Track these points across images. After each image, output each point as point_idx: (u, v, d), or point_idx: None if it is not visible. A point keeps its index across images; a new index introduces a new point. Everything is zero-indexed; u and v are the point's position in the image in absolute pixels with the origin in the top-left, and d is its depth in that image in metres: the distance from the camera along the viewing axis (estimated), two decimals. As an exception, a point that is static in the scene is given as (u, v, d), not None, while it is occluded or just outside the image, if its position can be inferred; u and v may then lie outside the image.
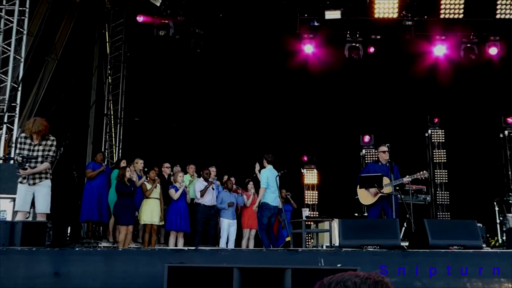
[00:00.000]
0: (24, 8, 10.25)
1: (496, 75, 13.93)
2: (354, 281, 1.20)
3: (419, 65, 13.90)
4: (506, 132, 14.41)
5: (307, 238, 11.53)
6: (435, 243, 6.80)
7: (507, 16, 12.75)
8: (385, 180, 8.47)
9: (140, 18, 12.51)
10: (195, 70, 13.96)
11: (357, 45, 13.67)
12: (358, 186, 8.65)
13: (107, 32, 13.98)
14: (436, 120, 14.94)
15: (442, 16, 12.90)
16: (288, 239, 9.58)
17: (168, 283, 4.79)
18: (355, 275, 1.22)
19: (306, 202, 14.28)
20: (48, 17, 10.87)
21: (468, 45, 13.61)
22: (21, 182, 6.86)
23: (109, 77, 13.97)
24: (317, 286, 1.24)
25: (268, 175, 9.33)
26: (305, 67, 13.86)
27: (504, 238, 9.68)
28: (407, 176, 8.52)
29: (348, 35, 13.70)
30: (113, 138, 13.80)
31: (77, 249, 6.32)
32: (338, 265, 5.70)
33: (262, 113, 14.01)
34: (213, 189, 10.55)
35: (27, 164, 6.78)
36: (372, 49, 13.60)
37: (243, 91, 14.03)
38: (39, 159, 6.90)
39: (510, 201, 10.43)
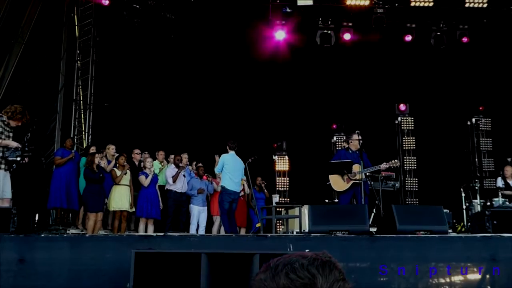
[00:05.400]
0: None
1: (465, 64, 14.15)
2: (302, 262, 1.18)
3: (388, 52, 14.01)
4: (473, 120, 14.68)
5: (277, 224, 11.58)
6: (402, 228, 6.90)
7: (476, 5, 12.96)
8: (356, 167, 8.55)
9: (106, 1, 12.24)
10: (166, 55, 13.78)
11: (329, 32, 13.70)
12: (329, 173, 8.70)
13: (75, 16, 13.66)
14: (404, 107, 15.08)
15: (412, 4, 13.04)
16: (258, 225, 9.58)
17: (135, 269, 4.75)
18: (302, 256, 1.21)
19: (277, 188, 14.31)
20: (13, -1, 10.59)
21: (438, 33, 13.79)
22: (6, 169, 6.76)
23: (78, 62, 13.67)
24: (264, 268, 1.22)
25: (225, 160, 9.24)
26: (277, 54, 13.82)
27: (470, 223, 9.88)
28: (384, 163, 8.61)
29: (320, 22, 13.72)
30: (82, 124, 13.55)
31: (42, 235, 6.22)
32: (306, 251, 5.74)
33: (234, 99, 13.94)
34: (184, 175, 10.51)
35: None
36: (348, 36, 13.64)
37: (215, 77, 13.92)
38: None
39: (476, 188, 10.63)
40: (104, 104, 13.63)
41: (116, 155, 10.13)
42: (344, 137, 12.80)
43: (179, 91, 13.88)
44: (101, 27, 13.85)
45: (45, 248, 5.57)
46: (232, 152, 9.35)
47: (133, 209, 9.98)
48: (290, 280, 1.15)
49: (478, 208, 10.13)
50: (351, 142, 8.95)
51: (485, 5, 12.94)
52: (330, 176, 8.77)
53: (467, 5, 12.97)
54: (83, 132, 13.52)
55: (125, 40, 13.59)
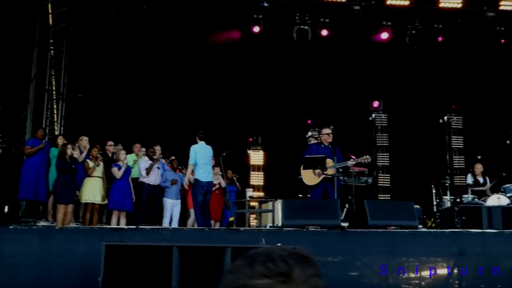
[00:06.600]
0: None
1: (438, 62, 14.34)
2: (280, 254, 1.18)
3: (364, 49, 14.11)
4: (445, 118, 14.88)
5: (251, 218, 11.59)
6: (374, 223, 7.00)
7: (450, 5, 13.15)
8: (329, 162, 8.59)
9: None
10: (141, 46, 13.61)
11: (306, 27, 13.73)
12: (302, 167, 8.73)
13: (49, 4, 13.40)
14: (377, 104, 15.23)
15: (388, 2, 13.15)
16: (231, 219, 9.58)
17: (105, 262, 4.71)
18: (282, 249, 1.20)
19: (251, 183, 14.31)
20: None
21: (413, 32, 13.94)
22: None
23: (51, 51, 13.41)
24: (241, 256, 1.22)
25: (196, 151, 9.20)
26: (253, 48, 13.80)
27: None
28: (352, 159, 8.69)
29: (297, 17, 13.73)
30: (55, 115, 13.31)
31: (11, 227, 6.11)
32: (279, 244, 5.76)
33: (209, 93, 13.86)
34: (158, 168, 10.43)
35: None
36: (325, 32, 13.67)
37: (190, 70, 13.83)
38: None
39: (447, 184, 10.82)
40: (77, 95, 13.42)
41: (88, 146, 9.99)
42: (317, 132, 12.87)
43: (153, 83, 13.74)
44: (75, 16, 13.60)
45: (14, 240, 5.48)
46: (202, 142, 9.33)
47: (105, 202, 9.87)
48: (267, 268, 1.15)
49: (449, 204, 10.31)
50: (321, 136, 9.04)
51: (459, 5, 13.14)
52: (302, 171, 8.80)
53: (441, 5, 13.16)
54: (55, 123, 13.29)
55: (100, 30, 13.38)
